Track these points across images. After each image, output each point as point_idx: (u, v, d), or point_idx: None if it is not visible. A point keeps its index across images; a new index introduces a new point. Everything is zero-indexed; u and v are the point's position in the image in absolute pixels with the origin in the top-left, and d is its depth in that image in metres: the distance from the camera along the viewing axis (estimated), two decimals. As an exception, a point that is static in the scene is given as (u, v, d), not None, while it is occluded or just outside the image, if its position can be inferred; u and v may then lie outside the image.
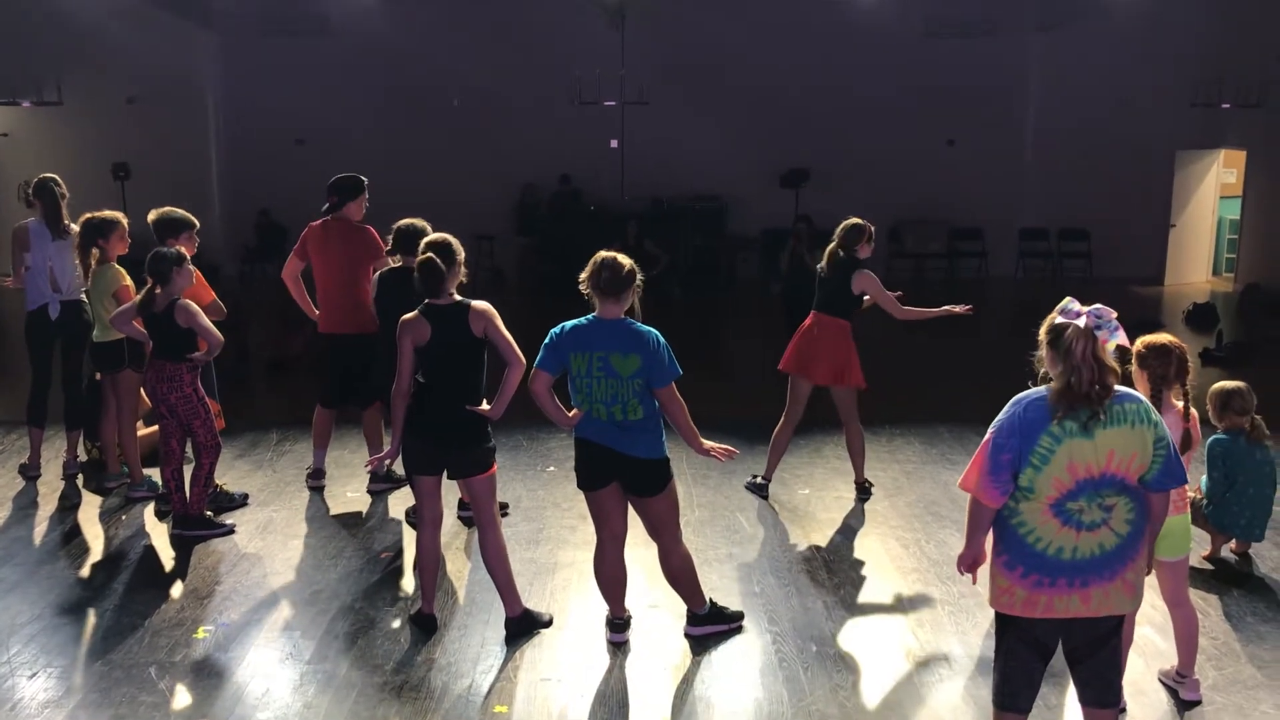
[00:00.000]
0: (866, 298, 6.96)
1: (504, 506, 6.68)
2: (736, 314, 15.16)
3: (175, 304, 6.12)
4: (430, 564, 5.26)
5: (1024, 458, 3.48)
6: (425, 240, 5.08)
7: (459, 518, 6.56)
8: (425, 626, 5.24)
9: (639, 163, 16.66)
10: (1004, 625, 3.71)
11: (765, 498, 7.08)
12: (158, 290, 6.15)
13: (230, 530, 6.49)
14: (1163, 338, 4.41)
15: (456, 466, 5.09)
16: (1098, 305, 3.53)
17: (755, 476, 7.24)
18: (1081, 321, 3.47)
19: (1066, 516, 3.49)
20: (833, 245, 6.98)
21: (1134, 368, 4.39)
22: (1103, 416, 3.41)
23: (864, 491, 7.15)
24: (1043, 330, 3.58)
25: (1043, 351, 3.57)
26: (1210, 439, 5.98)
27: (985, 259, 17.43)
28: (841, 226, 7.00)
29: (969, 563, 3.76)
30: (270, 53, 16.72)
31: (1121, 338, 3.50)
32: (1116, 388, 3.50)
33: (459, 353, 4.92)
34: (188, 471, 6.50)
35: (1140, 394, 3.57)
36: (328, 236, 7.00)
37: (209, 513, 6.52)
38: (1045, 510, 3.50)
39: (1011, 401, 3.57)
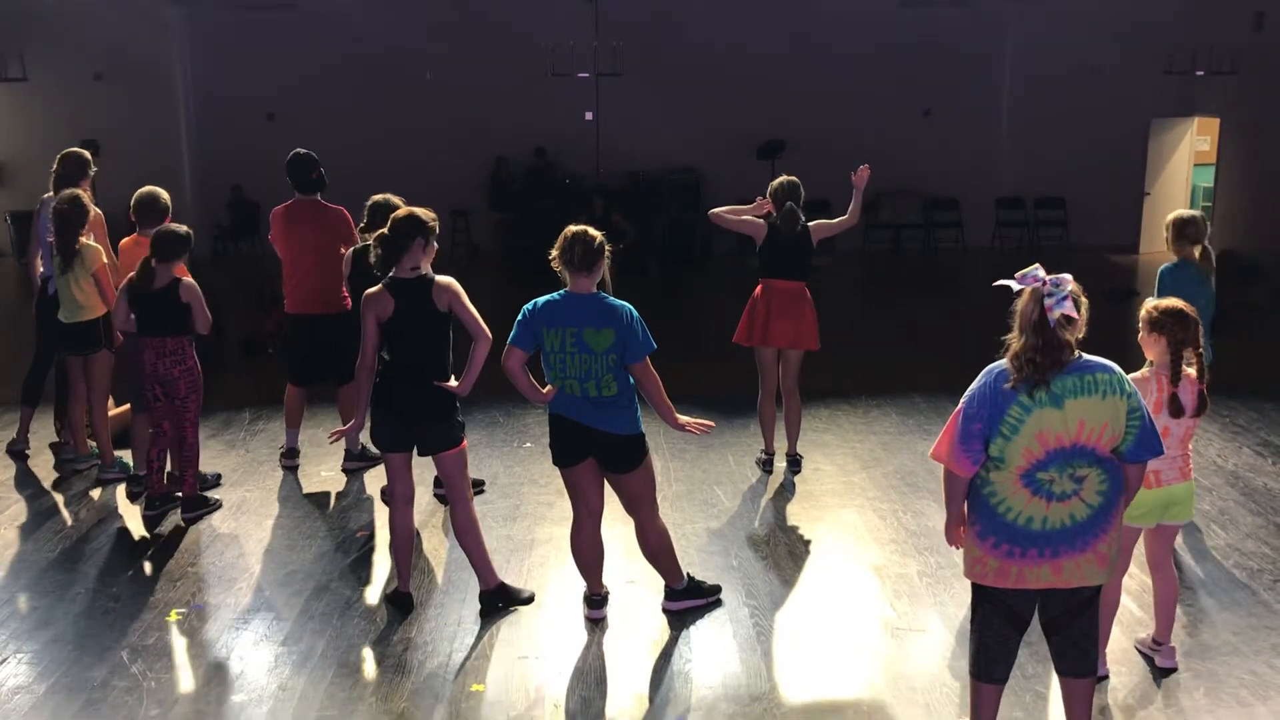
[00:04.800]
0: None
1: (480, 484, 6.65)
2: (712, 287, 15.11)
3: (180, 282, 6.08)
4: (404, 542, 5.22)
5: (994, 427, 3.48)
6: (392, 215, 5.02)
7: (435, 495, 6.52)
8: (401, 605, 5.21)
9: (614, 135, 16.54)
10: (979, 596, 3.72)
11: (770, 472, 7.06)
12: (154, 265, 6.08)
13: (218, 504, 6.49)
14: (1177, 303, 4.34)
15: (425, 443, 5.05)
16: (1061, 275, 3.52)
17: (761, 453, 7.20)
18: (1031, 286, 3.48)
19: (1037, 487, 3.49)
20: (789, 207, 6.79)
21: (1145, 332, 4.34)
22: (1046, 384, 3.41)
23: (796, 464, 7.08)
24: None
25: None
26: (1161, 267, 6.27)
27: (962, 229, 17.42)
28: (789, 185, 6.81)
29: (954, 532, 3.75)
30: (239, 27, 16.48)
31: (1068, 308, 3.43)
32: (1089, 357, 3.50)
33: (424, 328, 4.87)
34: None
35: (1113, 364, 3.55)
36: (295, 217, 6.91)
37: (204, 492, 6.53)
38: (1016, 480, 3.50)
39: (983, 372, 3.58)
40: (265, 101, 16.58)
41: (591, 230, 4.74)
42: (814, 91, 16.58)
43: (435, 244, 4.99)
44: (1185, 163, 17.21)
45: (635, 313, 4.71)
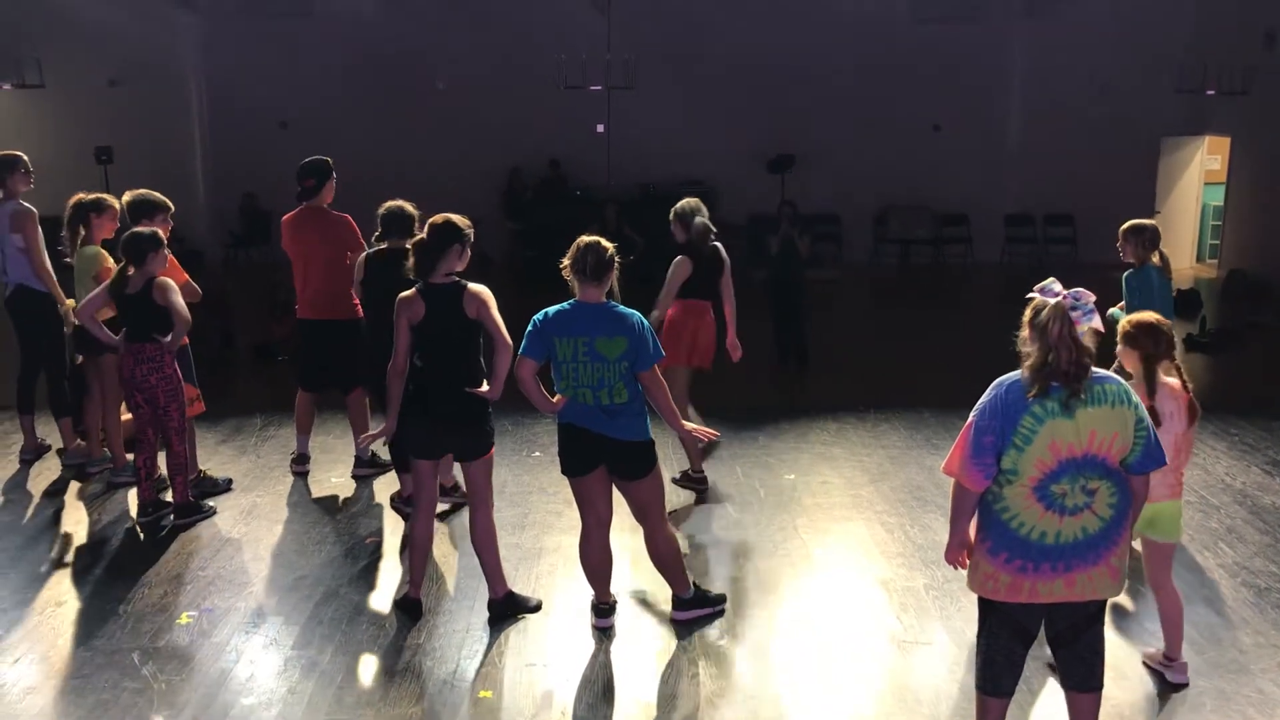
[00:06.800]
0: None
1: (457, 488, 6.55)
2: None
3: (153, 282, 6.06)
4: (422, 548, 5.25)
5: (1006, 439, 3.50)
6: (429, 221, 5.07)
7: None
8: (411, 611, 5.23)
9: (625, 147, 16.59)
10: (986, 609, 3.73)
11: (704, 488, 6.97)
12: (131, 271, 6.08)
13: (213, 512, 6.48)
14: (1149, 316, 4.46)
15: (460, 450, 5.10)
16: (1078, 288, 3.56)
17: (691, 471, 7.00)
18: (1057, 301, 3.52)
19: (1050, 500, 3.50)
20: (700, 222, 6.76)
21: (1120, 346, 4.44)
22: (1082, 396, 3.45)
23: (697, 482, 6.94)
24: (1027, 310, 3.61)
25: (1025, 331, 3.61)
26: (1126, 273, 6.46)
27: (971, 245, 17.43)
28: (700, 206, 6.80)
29: (956, 553, 3.76)
30: (253, 35, 16.56)
31: (1096, 322, 3.56)
32: (1094, 370, 3.53)
33: (453, 334, 4.91)
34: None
35: (1118, 376, 3.60)
36: (302, 225, 6.93)
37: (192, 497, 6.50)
38: (1029, 494, 3.51)
39: (993, 384, 3.60)
40: (278, 109, 16.65)
41: (603, 241, 4.79)
42: (825, 106, 16.62)
43: (469, 250, 5.05)
44: (1195, 181, 17.22)
45: (645, 320, 4.76)
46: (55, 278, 7.09)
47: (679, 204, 6.87)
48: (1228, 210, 16.59)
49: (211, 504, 6.58)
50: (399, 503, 6.55)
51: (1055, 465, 3.47)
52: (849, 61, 16.50)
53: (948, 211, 17.44)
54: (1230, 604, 5.38)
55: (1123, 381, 3.56)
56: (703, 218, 6.75)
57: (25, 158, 7.22)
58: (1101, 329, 3.61)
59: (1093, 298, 3.56)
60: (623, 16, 15.82)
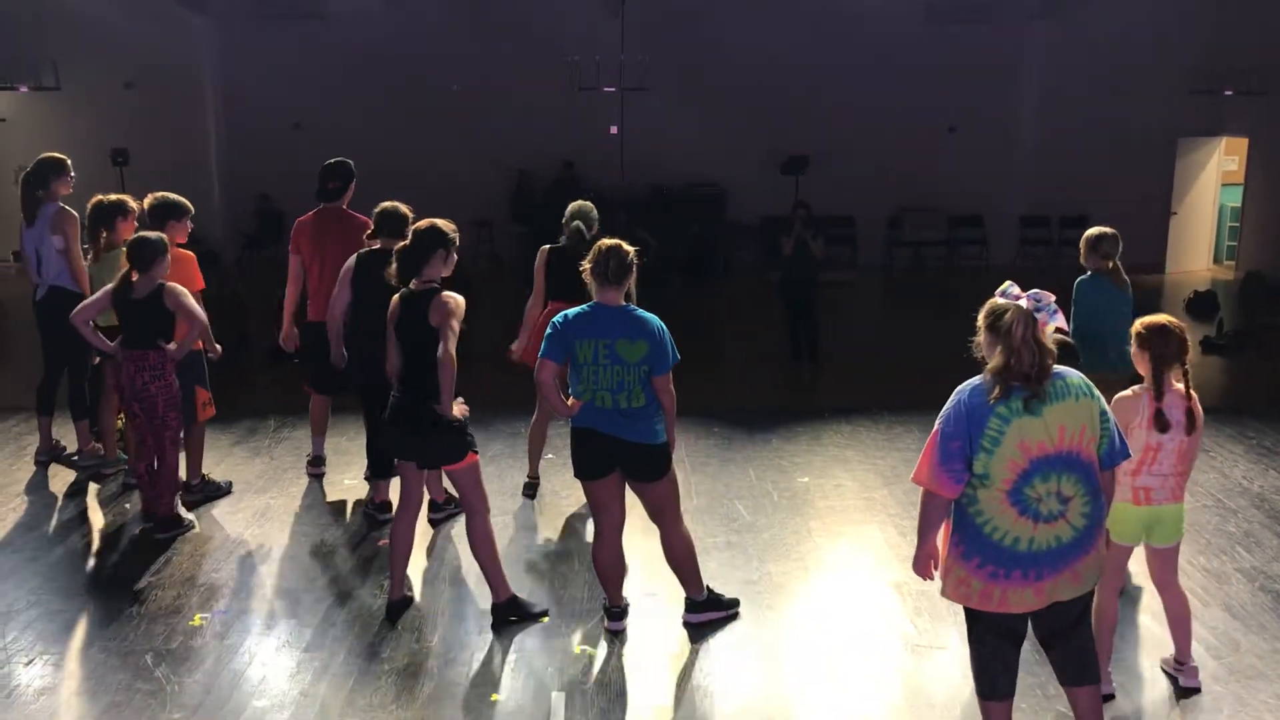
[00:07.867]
0: None
1: (456, 501, 6.46)
2: (734, 302, 15.12)
3: (162, 288, 6.02)
4: (403, 549, 5.25)
5: (974, 443, 3.50)
6: (413, 227, 5.05)
7: (429, 519, 6.34)
8: (395, 613, 5.24)
9: (638, 149, 16.59)
10: (972, 616, 3.72)
11: (533, 497, 6.84)
12: (135, 276, 6.02)
13: (191, 526, 6.33)
14: (1162, 318, 4.42)
15: (429, 455, 5.06)
16: (1036, 290, 3.59)
17: (526, 476, 6.96)
18: (1022, 303, 3.54)
19: (1024, 505, 3.49)
20: (575, 226, 6.63)
21: (1133, 349, 4.40)
22: (1041, 397, 3.46)
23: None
24: (981, 315, 3.63)
25: (980, 337, 3.63)
26: (1078, 279, 6.42)
27: (985, 246, 17.38)
28: (587, 210, 6.72)
29: (924, 565, 3.74)
30: (266, 38, 16.62)
31: (1060, 320, 3.58)
32: (1055, 367, 3.53)
33: (417, 340, 4.90)
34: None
35: (1078, 371, 3.60)
36: (323, 227, 6.89)
37: (180, 512, 6.38)
38: (1003, 499, 3.50)
39: (955, 391, 3.64)
40: (292, 110, 16.69)
41: (624, 244, 4.79)
42: (839, 107, 16.58)
43: (455, 255, 5.03)
44: (1213, 183, 17.13)
45: (664, 326, 4.76)
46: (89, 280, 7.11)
47: (570, 204, 6.82)
48: (1245, 212, 16.51)
49: (190, 518, 6.42)
50: (371, 509, 6.53)
51: (1027, 465, 3.47)
52: (863, 62, 16.46)
53: (962, 213, 17.39)
54: (1248, 609, 5.34)
55: (1082, 375, 3.57)
56: (580, 222, 6.63)
57: (69, 161, 7.25)
58: (1065, 327, 3.62)
59: (1053, 297, 3.59)
60: (636, 18, 15.82)
